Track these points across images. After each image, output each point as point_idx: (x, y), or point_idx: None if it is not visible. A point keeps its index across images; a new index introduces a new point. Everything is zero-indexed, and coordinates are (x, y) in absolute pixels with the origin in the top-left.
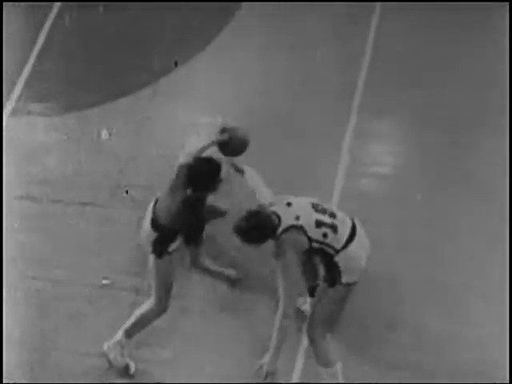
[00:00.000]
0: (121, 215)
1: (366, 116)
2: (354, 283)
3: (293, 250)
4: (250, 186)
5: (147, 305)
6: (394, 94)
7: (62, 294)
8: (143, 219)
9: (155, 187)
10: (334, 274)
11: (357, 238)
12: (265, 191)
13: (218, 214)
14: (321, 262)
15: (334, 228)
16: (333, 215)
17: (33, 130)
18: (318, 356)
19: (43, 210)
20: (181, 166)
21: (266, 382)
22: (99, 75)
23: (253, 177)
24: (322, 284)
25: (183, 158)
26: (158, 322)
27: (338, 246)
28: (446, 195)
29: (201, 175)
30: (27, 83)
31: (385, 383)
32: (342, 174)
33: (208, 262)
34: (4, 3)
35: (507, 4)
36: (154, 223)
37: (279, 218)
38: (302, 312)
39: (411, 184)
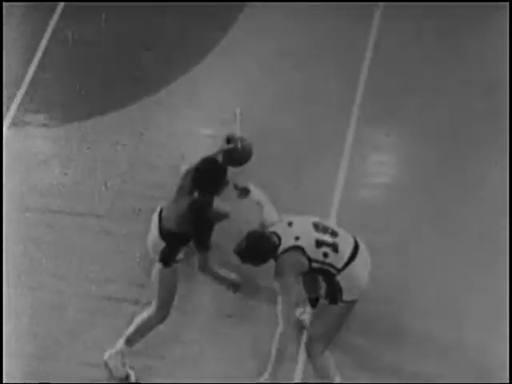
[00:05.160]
0: (120, 226)
1: (364, 126)
2: (355, 301)
3: (292, 271)
4: (256, 204)
5: (148, 312)
6: (392, 104)
7: (62, 305)
8: (149, 230)
9: (155, 197)
10: (335, 292)
11: (359, 256)
12: (270, 209)
13: (220, 216)
14: (323, 280)
15: (334, 247)
16: (334, 234)
17: (32, 141)
18: (316, 370)
19: (43, 221)
20: (187, 170)
21: None
22: (99, 86)
23: (258, 195)
24: (322, 300)
25: (185, 167)
26: (157, 332)
27: (340, 265)
28: (445, 203)
29: (207, 177)
30: (27, 94)
31: (386, 383)
32: (341, 184)
33: (215, 268)
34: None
35: (507, 4)
36: (162, 232)
37: (279, 238)
38: (301, 322)
39: (410, 193)
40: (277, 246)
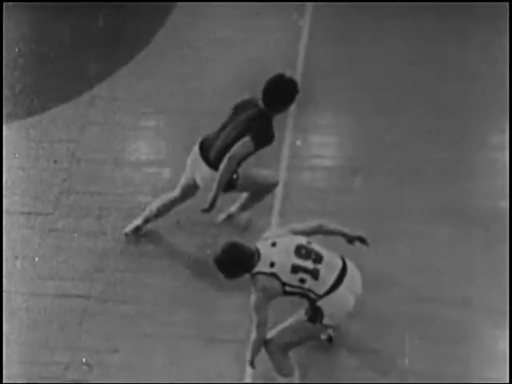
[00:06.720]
0: (65, 223)
1: (305, 109)
2: (334, 327)
3: (263, 294)
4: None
5: (167, 195)
6: (330, 85)
7: (11, 305)
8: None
9: (101, 193)
10: (316, 315)
11: (345, 281)
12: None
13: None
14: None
15: (314, 274)
16: (318, 259)
17: None
18: (274, 365)
19: None
20: (236, 104)
21: None
22: (36, 83)
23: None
24: (303, 315)
25: None
26: (108, 327)
27: (321, 292)
28: (388, 184)
29: (280, 92)
30: None
31: (379, 383)
32: (283, 167)
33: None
34: None
35: (507, 4)
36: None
37: (259, 255)
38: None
39: (352, 174)
40: (254, 262)
